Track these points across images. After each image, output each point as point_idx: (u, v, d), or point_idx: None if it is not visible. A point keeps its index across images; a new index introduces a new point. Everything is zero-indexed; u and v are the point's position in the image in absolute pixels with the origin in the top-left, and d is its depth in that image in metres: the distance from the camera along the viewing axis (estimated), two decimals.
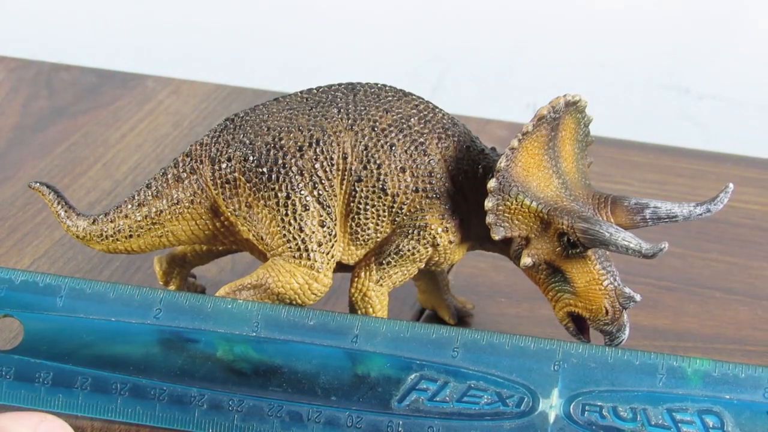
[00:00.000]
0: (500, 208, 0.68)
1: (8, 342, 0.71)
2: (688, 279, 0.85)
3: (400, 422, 0.66)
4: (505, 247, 0.71)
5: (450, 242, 0.70)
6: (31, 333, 0.68)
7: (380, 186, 0.69)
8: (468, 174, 0.70)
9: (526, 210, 0.68)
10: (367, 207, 0.69)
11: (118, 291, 0.68)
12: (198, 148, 0.71)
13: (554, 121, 0.69)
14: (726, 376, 0.64)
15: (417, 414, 0.65)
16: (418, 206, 0.70)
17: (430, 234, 0.70)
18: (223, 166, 0.70)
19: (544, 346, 0.66)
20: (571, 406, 0.65)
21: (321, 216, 0.69)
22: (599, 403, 0.65)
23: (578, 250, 0.68)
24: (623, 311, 0.68)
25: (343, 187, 0.69)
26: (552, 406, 0.65)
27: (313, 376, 0.66)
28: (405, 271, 0.71)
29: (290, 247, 0.69)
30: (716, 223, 0.91)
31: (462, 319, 0.79)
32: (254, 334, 0.67)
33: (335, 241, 0.70)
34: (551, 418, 0.65)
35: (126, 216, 0.72)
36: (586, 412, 0.65)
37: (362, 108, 0.70)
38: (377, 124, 0.69)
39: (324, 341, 0.67)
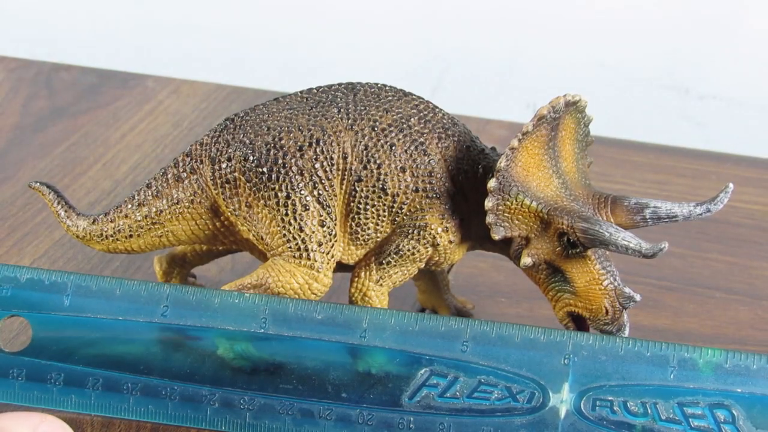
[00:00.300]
0: (500, 207, 0.68)
1: (16, 342, 0.71)
2: (688, 279, 0.85)
3: (411, 419, 0.66)
4: (505, 247, 0.71)
5: (450, 242, 0.70)
6: (40, 334, 0.68)
7: (380, 186, 0.69)
8: (468, 174, 0.70)
9: (526, 210, 0.68)
10: (367, 207, 0.69)
11: (124, 287, 0.68)
12: (198, 147, 0.71)
13: (554, 121, 0.69)
14: (738, 367, 0.64)
15: (428, 410, 0.65)
16: (418, 206, 0.70)
17: (430, 234, 0.70)
18: (223, 165, 0.70)
19: (554, 338, 0.66)
20: (582, 401, 0.65)
21: (321, 216, 0.69)
22: (610, 398, 0.64)
23: (578, 250, 0.68)
24: (623, 311, 0.68)
25: (343, 186, 0.69)
26: (563, 401, 0.65)
27: (322, 372, 0.66)
28: (405, 271, 0.71)
29: (290, 247, 0.69)
30: (716, 223, 0.91)
31: None
32: (262, 330, 0.67)
33: (335, 241, 0.70)
34: (562, 414, 0.65)
35: (126, 216, 0.72)
36: (597, 407, 0.64)
37: (362, 108, 0.70)
38: (377, 123, 0.69)
39: (333, 337, 0.66)
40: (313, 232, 0.69)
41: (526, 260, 0.69)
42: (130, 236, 0.72)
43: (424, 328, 0.66)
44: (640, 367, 0.65)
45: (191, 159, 0.71)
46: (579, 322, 0.70)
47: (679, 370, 0.64)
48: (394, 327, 0.66)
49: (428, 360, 0.66)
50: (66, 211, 0.73)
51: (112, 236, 0.72)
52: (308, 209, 0.69)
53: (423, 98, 0.72)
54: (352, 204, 0.69)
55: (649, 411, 0.64)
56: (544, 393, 0.65)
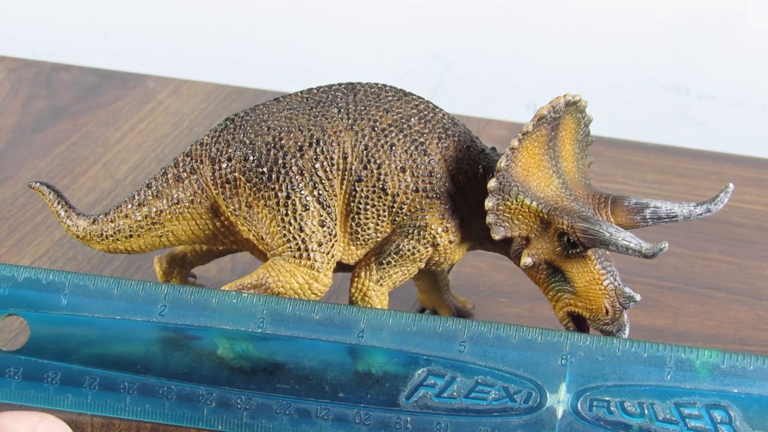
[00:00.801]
0: (500, 207, 0.68)
1: (14, 341, 0.71)
2: (688, 279, 0.85)
3: (408, 419, 0.66)
4: (505, 247, 0.71)
5: (450, 242, 0.70)
6: (37, 333, 0.68)
7: (380, 186, 0.69)
8: (468, 174, 0.70)
9: (527, 210, 0.68)
10: (368, 207, 0.69)
11: (122, 287, 0.68)
12: (198, 147, 0.71)
13: (554, 121, 0.69)
14: (734, 368, 0.64)
15: (425, 410, 0.66)
16: (418, 206, 0.70)
17: (430, 234, 0.70)
18: (224, 165, 0.70)
19: (551, 338, 0.66)
20: (579, 402, 0.65)
21: (321, 216, 0.69)
22: (607, 398, 0.65)
23: (578, 250, 0.68)
24: (623, 311, 0.68)
25: (344, 186, 0.69)
26: (560, 401, 0.65)
27: (320, 372, 0.66)
28: (405, 271, 0.71)
29: (290, 247, 0.69)
30: (716, 223, 0.91)
31: None
32: (260, 330, 0.67)
33: (335, 241, 0.70)
34: (559, 414, 0.65)
35: (126, 216, 0.72)
36: (593, 408, 0.64)
37: (362, 108, 0.70)
38: (377, 123, 0.69)
39: (330, 337, 0.67)
40: (313, 232, 0.69)
41: (526, 260, 0.69)
42: (130, 236, 0.72)
43: (422, 328, 0.66)
44: (637, 368, 0.65)
45: (191, 159, 0.71)
46: (579, 322, 0.70)
47: (675, 371, 0.64)
48: (391, 327, 0.66)
49: (426, 360, 0.66)
50: (66, 211, 0.73)
51: (112, 236, 0.72)
52: (308, 209, 0.69)
53: (423, 98, 0.72)
54: (352, 204, 0.69)
55: (646, 411, 0.64)
56: (541, 393, 0.65)
